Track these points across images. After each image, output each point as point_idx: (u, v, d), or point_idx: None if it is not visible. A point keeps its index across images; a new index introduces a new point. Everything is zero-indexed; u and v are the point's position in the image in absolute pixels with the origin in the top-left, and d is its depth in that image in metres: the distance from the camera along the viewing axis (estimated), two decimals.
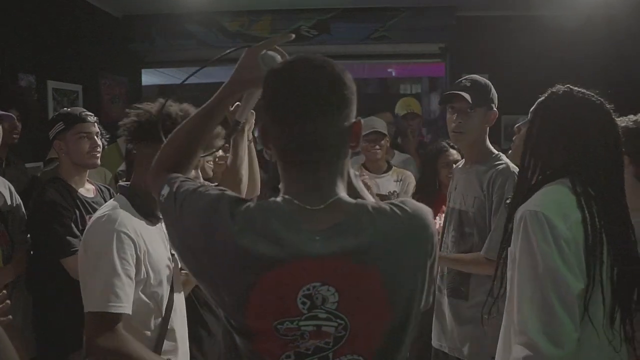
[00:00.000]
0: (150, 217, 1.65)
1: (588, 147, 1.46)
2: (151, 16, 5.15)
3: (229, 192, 1.06)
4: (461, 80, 2.26)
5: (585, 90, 1.53)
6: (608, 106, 1.51)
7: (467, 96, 2.16)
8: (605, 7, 4.58)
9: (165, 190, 1.11)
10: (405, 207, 1.02)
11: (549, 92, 1.56)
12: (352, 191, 1.09)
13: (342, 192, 1.03)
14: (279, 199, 1.02)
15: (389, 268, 0.98)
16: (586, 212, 1.39)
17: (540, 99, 1.57)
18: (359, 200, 1.04)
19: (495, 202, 2.11)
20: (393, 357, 1.02)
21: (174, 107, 1.64)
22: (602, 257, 1.38)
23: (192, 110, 1.64)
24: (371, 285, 0.97)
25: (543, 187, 1.48)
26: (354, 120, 1.02)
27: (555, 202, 1.41)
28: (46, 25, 3.97)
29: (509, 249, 1.48)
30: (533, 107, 1.59)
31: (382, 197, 3.14)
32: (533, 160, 1.53)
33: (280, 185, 1.05)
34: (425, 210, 1.05)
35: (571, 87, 1.54)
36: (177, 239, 1.08)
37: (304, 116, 0.98)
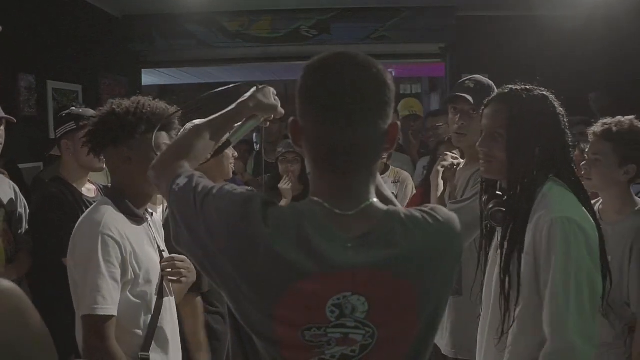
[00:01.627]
0: (135, 217, 1.66)
1: (558, 141, 1.57)
2: (151, 16, 5.15)
3: (259, 193, 1.01)
4: (464, 81, 2.26)
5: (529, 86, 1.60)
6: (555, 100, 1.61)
7: (470, 98, 2.16)
8: (605, 7, 4.58)
9: (182, 180, 1.07)
10: (437, 216, 1.00)
11: (511, 94, 1.59)
12: (381, 196, 1.08)
13: (374, 197, 1.00)
14: (310, 202, 0.99)
15: (421, 279, 0.97)
16: (590, 210, 1.53)
17: (510, 105, 1.58)
18: (391, 207, 1.02)
19: None
20: None
21: (125, 102, 1.66)
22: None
23: (144, 99, 1.69)
24: (402, 296, 0.96)
25: (542, 187, 1.54)
26: (391, 122, 0.98)
27: (576, 206, 1.50)
28: (46, 25, 3.97)
29: (523, 254, 1.51)
30: (509, 113, 1.59)
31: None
32: (524, 162, 1.56)
33: (311, 187, 1.02)
34: (455, 218, 1.03)
35: (520, 85, 1.60)
36: (188, 234, 1.02)
37: (346, 121, 0.93)
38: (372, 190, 1.00)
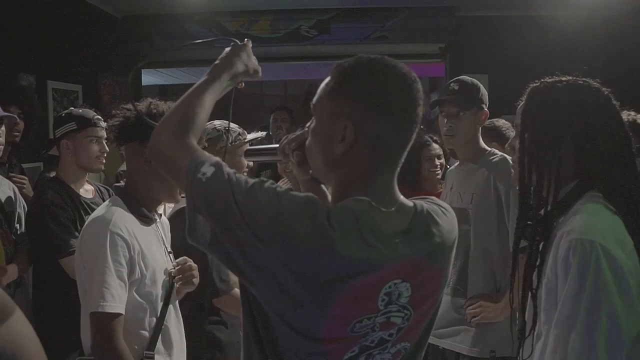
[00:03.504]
0: (144, 218, 1.66)
1: (596, 143, 1.25)
2: (151, 16, 5.15)
3: (313, 196, 0.99)
4: (450, 84, 2.31)
5: (571, 77, 1.34)
6: (605, 89, 1.33)
7: (453, 101, 2.22)
8: (604, 7, 4.58)
9: (208, 170, 0.97)
10: (445, 207, 1.12)
11: (532, 87, 1.35)
12: None
13: (401, 195, 1.07)
14: (358, 201, 0.99)
15: (446, 264, 1.08)
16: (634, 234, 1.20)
17: (526, 97, 1.36)
18: (414, 201, 1.08)
19: (503, 192, 2.15)
20: (427, 339, 1.13)
21: (163, 106, 1.66)
22: None
23: None
24: (434, 280, 1.06)
25: (573, 206, 1.26)
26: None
27: (606, 226, 1.19)
28: (46, 25, 3.97)
29: (544, 281, 1.26)
30: (520, 107, 1.38)
31: None
32: (537, 174, 1.29)
33: (351, 186, 1.03)
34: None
35: (557, 77, 1.35)
36: (218, 230, 0.95)
37: (414, 126, 1.04)
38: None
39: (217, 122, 2.20)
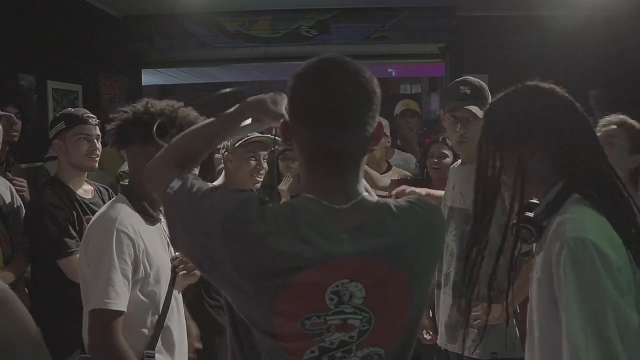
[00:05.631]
0: (149, 217, 1.66)
1: (562, 142, 1.28)
2: (151, 16, 5.16)
3: (254, 193, 1.05)
4: (459, 87, 2.23)
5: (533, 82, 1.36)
6: (563, 93, 1.34)
7: (474, 109, 2.15)
8: (604, 7, 4.58)
9: (176, 184, 1.09)
10: (424, 205, 1.07)
11: (496, 97, 1.39)
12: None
13: (364, 192, 1.06)
14: (305, 198, 1.03)
15: (412, 265, 1.03)
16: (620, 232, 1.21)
17: (488, 106, 1.40)
18: (380, 199, 1.07)
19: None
20: (409, 347, 1.07)
21: (161, 103, 1.65)
22: None
23: (177, 106, 1.67)
24: (396, 282, 1.01)
25: (561, 206, 1.27)
26: (380, 125, 1.05)
27: (594, 223, 1.21)
28: (46, 25, 3.97)
29: (535, 279, 1.29)
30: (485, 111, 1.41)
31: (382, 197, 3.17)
32: (520, 181, 1.29)
33: (303, 184, 1.07)
34: (439, 207, 1.11)
35: (524, 83, 1.37)
36: (185, 236, 1.05)
37: (339, 128, 0.99)
38: (362, 186, 1.06)
39: None
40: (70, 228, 2.25)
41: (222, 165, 2.44)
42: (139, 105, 1.66)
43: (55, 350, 2.34)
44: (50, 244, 2.22)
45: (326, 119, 0.99)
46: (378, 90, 1.03)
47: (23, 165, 3.09)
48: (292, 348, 0.99)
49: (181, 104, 1.69)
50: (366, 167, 3.09)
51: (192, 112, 1.67)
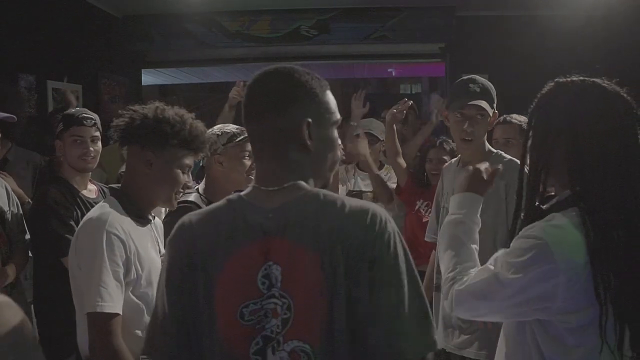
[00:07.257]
0: (140, 219, 1.66)
1: (584, 152, 1.19)
2: (151, 16, 5.16)
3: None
4: (468, 85, 2.18)
5: (596, 79, 1.27)
6: (627, 96, 1.25)
7: (485, 105, 2.12)
8: (604, 7, 4.58)
9: None
10: (354, 204, 1.05)
11: (546, 87, 1.32)
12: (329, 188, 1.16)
13: (302, 181, 1.08)
14: (250, 186, 1.13)
15: (329, 255, 0.99)
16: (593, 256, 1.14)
17: (538, 96, 1.33)
18: (320, 190, 1.09)
19: (508, 193, 2.07)
20: (340, 345, 0.99)
21: (170, 111, 1.64)
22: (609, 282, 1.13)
23: (187, 115, 1.66)
24: (310, 267, 1.00)
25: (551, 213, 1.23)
26: (305, 120, 1.08)
27: (561, 232, 1.16)
28: (46, 25, 3.97)
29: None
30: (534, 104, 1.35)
31: (356, 194, 3.21)
32: (531, 172, 1.28)
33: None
34: (375, 211, 1.03)
35: (577, 76, 1.30)
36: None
37: (254, 117, 1.11)
38: (298, 175, 1.09)
39: (216, 128, 2.18)
40: (75, 226, 2.25)
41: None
42: (149, 109, 1.65)
43: (55, 350, 2.35)
44: (54, 242, 2.22)
45: (249, 109, 1.11)
46: (309, 85, 1.09)
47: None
48: (237, 340, 1.01)
49: (192, 115, 1.68)
50: (368, 158, 3.10)
51: (198, 125, 1.67)
